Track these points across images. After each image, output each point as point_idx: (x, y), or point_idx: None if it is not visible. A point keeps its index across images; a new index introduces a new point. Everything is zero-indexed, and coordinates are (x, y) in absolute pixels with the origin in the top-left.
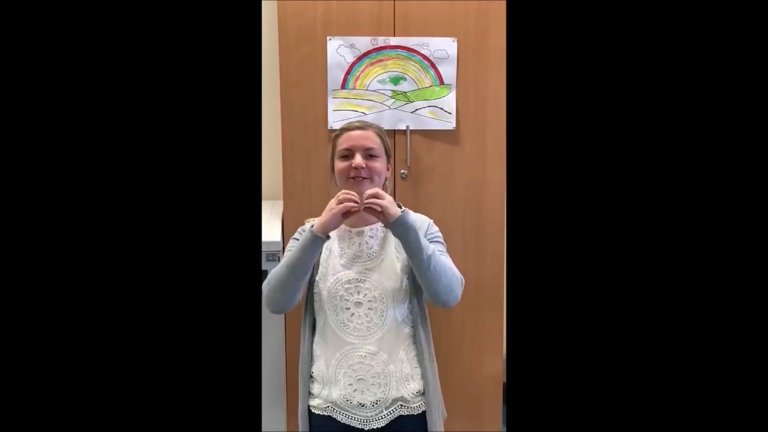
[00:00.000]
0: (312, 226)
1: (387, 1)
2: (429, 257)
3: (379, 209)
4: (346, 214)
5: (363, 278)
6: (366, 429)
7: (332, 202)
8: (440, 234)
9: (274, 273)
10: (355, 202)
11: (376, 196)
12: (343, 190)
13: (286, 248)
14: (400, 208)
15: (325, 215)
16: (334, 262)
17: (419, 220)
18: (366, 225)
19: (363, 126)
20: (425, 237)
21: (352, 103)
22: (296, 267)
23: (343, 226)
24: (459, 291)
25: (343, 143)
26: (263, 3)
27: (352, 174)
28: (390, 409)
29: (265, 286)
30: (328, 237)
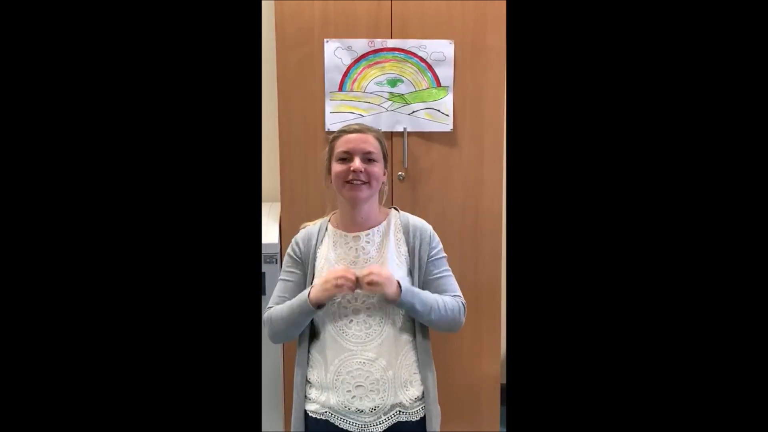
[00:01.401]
0: (308, 294)
1: (384, 1)
2: (430, 318)
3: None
4: (340, 288)
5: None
6: None
7: (329, 275)
8: (441, 245)
9: (273, 319)
10: (352, 281)
11: (372, 274)
12: (342, 268)
13: (283, 265)
14: (399, 286)
15: (320, 288)
16: (331, 268)
17: (420, 227)
18: (361, 230)
19: (362, 129)
20: (428, 251)
21: (350, 105)
22: (294, 325)
23: (339, 231)
24: (462, 321)
25: (341, 146)
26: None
27: (350, 177)
28: (388, 415)
29: (266, 323)
30: (321, 306)
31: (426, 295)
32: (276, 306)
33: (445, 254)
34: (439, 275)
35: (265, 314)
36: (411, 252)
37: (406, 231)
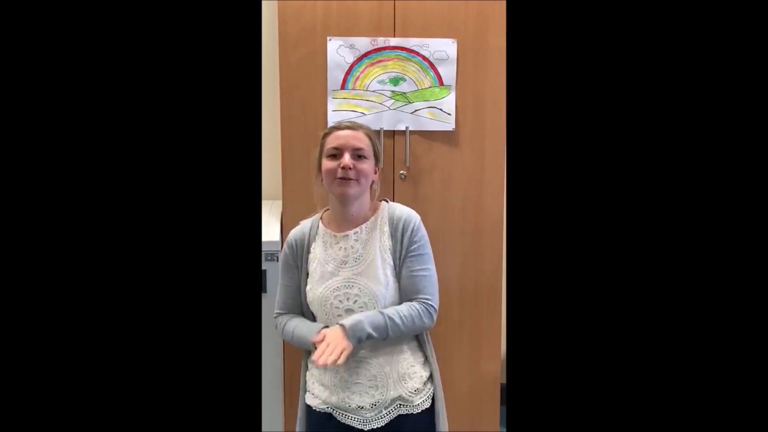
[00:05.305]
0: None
1: (387, 0)
2: (390, 336)
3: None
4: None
5: (351, 284)
6: (366, 429)
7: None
8: (424, 240)
9: (283, 332)
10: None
11: (323, 343)
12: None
13: (281, 270)
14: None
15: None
16: (323, 269)
17: (405, 218)
18: (350, 228)
19: (353, 126)
20: (409, 241)
21: (352, 103)
22: (299, 346)
23: (328, 231)
24: (427, 325)
25: (331, 142)
26: (263, 3)
27: (339, 174)
28: (389, 409)
29: (276, 328)
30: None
31: (377, 319)
32: (285, 320)
33: (427, 251)
34: (414, 273)
35: (276, 319)
36: (394, 243)
37: (392, 222)
